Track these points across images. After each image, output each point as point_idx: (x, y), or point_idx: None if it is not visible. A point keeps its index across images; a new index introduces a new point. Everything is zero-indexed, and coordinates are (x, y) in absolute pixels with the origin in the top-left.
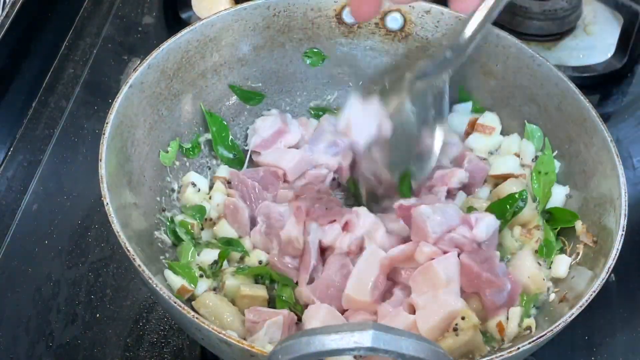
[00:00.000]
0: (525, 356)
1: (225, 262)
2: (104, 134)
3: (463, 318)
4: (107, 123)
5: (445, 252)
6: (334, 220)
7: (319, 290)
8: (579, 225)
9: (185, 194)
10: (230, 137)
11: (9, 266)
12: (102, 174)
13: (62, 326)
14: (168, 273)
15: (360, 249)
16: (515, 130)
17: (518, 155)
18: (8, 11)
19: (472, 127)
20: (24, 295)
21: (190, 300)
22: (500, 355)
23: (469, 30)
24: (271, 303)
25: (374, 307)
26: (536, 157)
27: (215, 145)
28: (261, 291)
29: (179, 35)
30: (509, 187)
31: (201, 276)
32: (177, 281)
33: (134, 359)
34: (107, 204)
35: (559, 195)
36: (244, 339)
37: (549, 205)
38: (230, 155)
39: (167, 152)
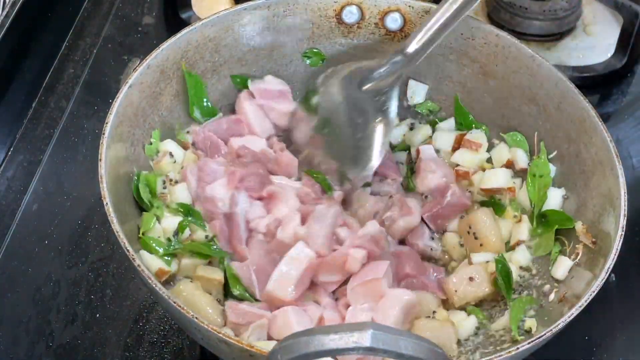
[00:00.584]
0: (525, 356)
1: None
2: (103, 134)
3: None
4: (107, 123)
5: (369, 251)
6: (262, 198)
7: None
8: (579, 225)
9: (160, 163)
10: (207, 101)
11: (9, 266)
12: (102, 174)
13: (62, 326)
14: (143, 253)
15: (273, 235)
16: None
17: (509, 166)
18: (8, 11)
19: (458, 143)
20: (24, 295)
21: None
22: (500, 355)
23: (421, 38)
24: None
25: (292, 304)
26: (531, 160)
27: (191, 106)
28: (217, 274)
29: (179, 35)
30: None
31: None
32: (153, 264)
33: (134, 359)
34: (107, 204)
35: (555, 198)
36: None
37: (546, 208)
38: (203, 121)
39: (151, 143)
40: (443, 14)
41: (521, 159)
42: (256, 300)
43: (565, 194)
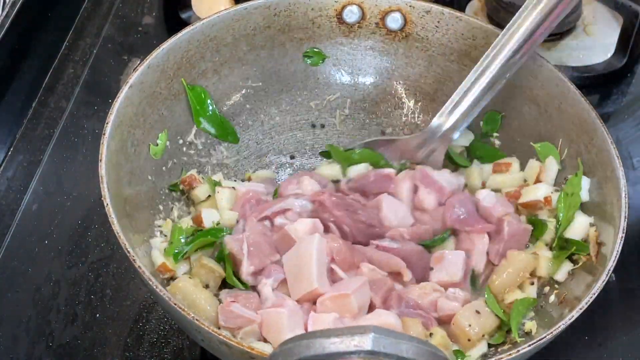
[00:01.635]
0: (525, 358)
1: None
2: (104, 134)
3: (431, 334)
4: (107, 123)
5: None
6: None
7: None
8: (592, 231)
9: (195, 190)
10: (212, 107)
11: (9, 266)
12: (102, 174)
13: (62, 326)
14: (154, 252)
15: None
16: (516, 132)
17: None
18: (8, 11)
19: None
20: (24, 295)
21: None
22: (500, 358)
23: (455, 118)
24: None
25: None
26: (566, 178)
27: (196, 118)
28: (220, 269)
29: (179, 35)
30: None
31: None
32: (157, 259)
33: (134, 359)
34: (107, 204)
35: (581, 225)
36: (219, 327)
37: (571, 234)
38: (212, 130)
39: (157, 144)
40: (478, 80)
41: (550, 174)
42: (244, 284)
43: (594, 222)
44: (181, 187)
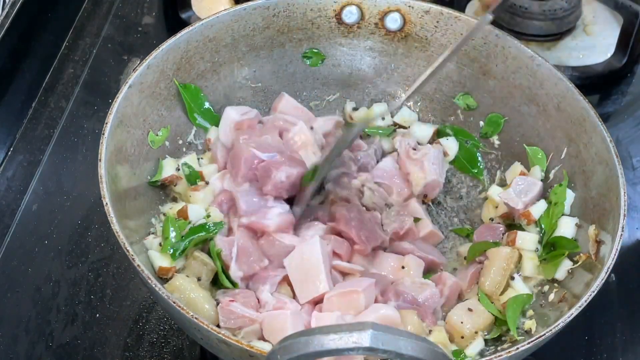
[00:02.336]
0: (525, 356)
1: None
2: (103, 134)
3: (430, 332)
4: (107, 123)
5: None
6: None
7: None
8: (591, 229)
9: (176, 187)
10: (206, 103)
11: (9, 266)
12: (102, 174)
13: (62, 326)
14: (151, 253)
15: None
16: (515, 132)
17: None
18: (8, 11)
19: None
20: (24, 295)
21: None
22: (499, 356)
23: None
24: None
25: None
26: (552, 187)
27: (191, 114)
28: (212, 262)
29: (178, 35)
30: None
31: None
32: (157, 261)
33: (134, 359)
34: (107, 204)
35: (567, 226)
36: (218, 325)
37: (556, 234)
38: (207, 125)
39: (157, 135)
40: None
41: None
42: (234, 284)
43: (579, 222)
44: (160, 183)
